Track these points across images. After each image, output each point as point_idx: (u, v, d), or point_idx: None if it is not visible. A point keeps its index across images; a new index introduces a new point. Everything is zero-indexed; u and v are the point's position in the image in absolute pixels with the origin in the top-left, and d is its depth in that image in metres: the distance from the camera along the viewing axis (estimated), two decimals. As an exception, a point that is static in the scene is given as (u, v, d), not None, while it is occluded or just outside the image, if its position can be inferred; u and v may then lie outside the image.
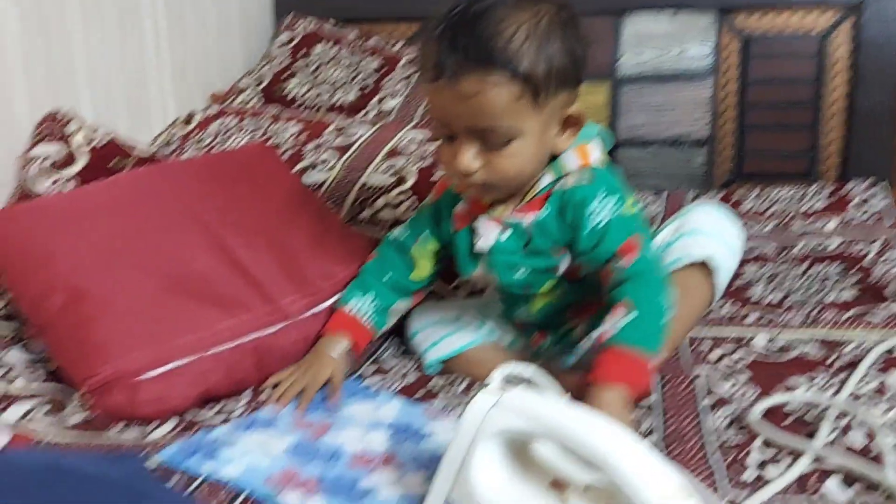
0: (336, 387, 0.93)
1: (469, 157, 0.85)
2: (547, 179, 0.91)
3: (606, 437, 0.58)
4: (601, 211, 0.88)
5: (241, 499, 0.72)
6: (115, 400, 0.88)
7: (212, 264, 1.02)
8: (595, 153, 0.93)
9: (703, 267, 0.95)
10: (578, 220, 0.89)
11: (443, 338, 1.01)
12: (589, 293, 0.93)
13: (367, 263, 1.04)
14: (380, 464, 0.78)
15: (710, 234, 0.99)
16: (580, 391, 0.83)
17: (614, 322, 0.85)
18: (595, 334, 0.88)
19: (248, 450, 0.79)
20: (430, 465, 0.77)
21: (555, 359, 0.99)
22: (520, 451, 0.67)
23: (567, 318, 0.98)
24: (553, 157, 0.91)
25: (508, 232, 0.92)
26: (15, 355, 1.01)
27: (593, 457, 0.57)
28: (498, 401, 0.65)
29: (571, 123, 0.89)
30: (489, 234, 0.93)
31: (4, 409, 0.89)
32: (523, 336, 1.03)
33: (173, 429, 0.88)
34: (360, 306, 1.00)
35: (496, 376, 0.68)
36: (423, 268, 1.02)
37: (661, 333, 0.86)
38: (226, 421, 0.88)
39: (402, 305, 1.03)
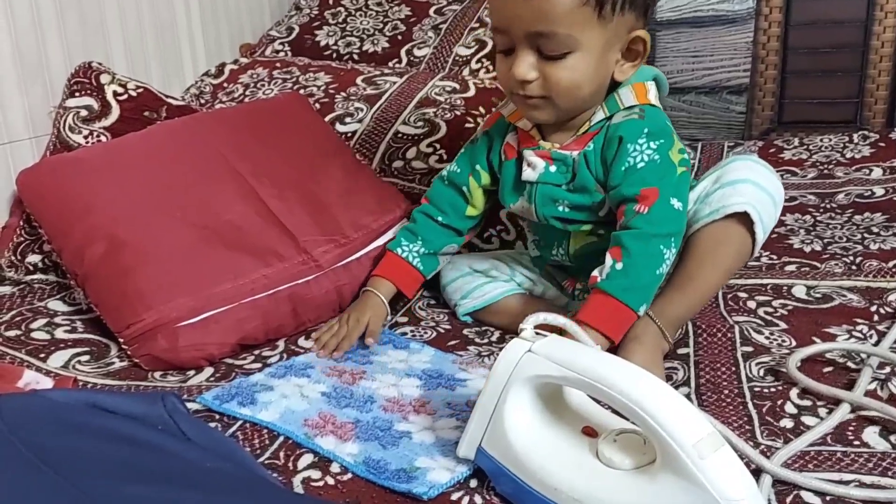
0: (372, 331, 0.94)
1: (526, 66, 0.85)
2: (600, 115, 0.90)
3: (639, 385, 0.58)
4: (643, 150, 0.87)
5: (278, 441, 0.74)
6: (156, 346, 0.90)
7: (246, 214, 1.03)
8: (651, 93, 0.91)
9: (744, 217, 0.93)
10: (618, 153, 0.88)
11: (476, 287, 1.01)
12: None
13: (421, 206, 1.06)
14: (413, 409, 0.78)
15: (752, 183, 0.96)
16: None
17: (605, 266, 0.85)
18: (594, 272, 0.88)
19: (285, 394, 0.81)
20: (463, 410, 0.77)
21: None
22: (552, 397, 0.67)
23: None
24: (610, 91, 0.91)
25: (555, 166, 0.92)
26: (57, 305, 1.04)
27: (625, 404, 0.57)
28: (530, 348, 0.65)
29: (635, 53, 0.88)
30: (537, 165, 0.93)
31: (47, 356, 0.92)
32: (555, 285, 1.03)
33: (212, 375, 0.90)
34: (410, 250, 1.01)
35: (529, 324, 0.68)
36: (478, 201, 1.03)
37: (646, 290, 0.85)
38: (263, 367, 0.89)
39: (452, 248, 1.05)
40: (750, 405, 0.78)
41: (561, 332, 0.69)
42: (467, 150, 1.04)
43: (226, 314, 0.93)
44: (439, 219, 1.03)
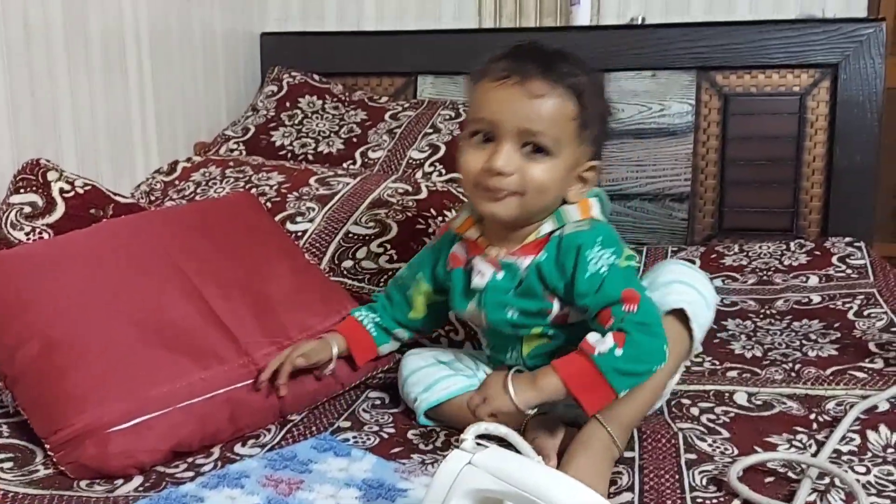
0: (306, 356, 0.99)
1: (507, 158, 0.89)
2: (548, 227, 0.94)
3: (573, 497, 0.57)
4: (600, 258, 0.91)
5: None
6: (85, 453, 0.86)
7: (188, 314, 1.01)
8: (595, 209, 0.97)
9: (680, 314, 0.95)
10: (578, 262, 0.91)
11: (438, 381, 1.00)
12: (579, 340, 0.93)
13: (375, 295, 1.14)
14: (351, 523, 0.76)
15: (683, 283, 0.99)
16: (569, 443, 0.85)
17: (602, 344, 0.86)
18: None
19: (217, 508, 0.77)
20: (402, 524, 0.75)
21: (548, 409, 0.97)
22: (493, 510, 0.65)
23: None
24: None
25: (503, 273, 0.95)
26: (-18, 406, 0.99)
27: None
28: (470, 459, 0.64)
29: (586, 180, 0.95)
30: (485, 272, 0.96)
31: (-33, 462, 0.87)
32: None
33: (141, 484, 0.86)
34: (367, 317, 1.08)
35: (469, 434, 0.67)
36: (419, 307, 1.07)
37: (635, 381, 0.88)
38: (195, 476, 0.86)
39: (401, 333, 1.09)
40: (693, 518, 0.77)
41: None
42: (416, 259, 1.09)
43: (160, 419, 0.90)
44: (388, 311, 1.08)
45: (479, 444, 0.67)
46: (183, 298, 1.03)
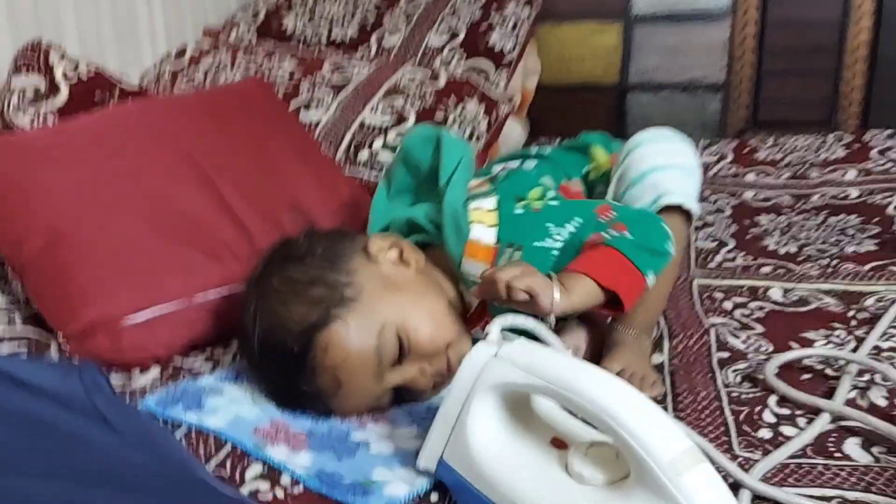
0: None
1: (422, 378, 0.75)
2: (475, 301, 0.80)
3: (612, 394, 0.54)
4: (554, 237, 0.80)
5: (225, 450, 0.68)
6: (98, 345, 0.84)
7: (201, 207, 0.97)
8: (486, 218, 0.82)
9: (671, 209, 0.89)
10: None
11: None
12: None
13: None
14: (371, 417, 0.74)
15: (658, 170, 0.90)
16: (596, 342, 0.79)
17: (607, 232, 0.78)
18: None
19: (235, 399, 0.75)
20: (424, 419, 0.73)
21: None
22: (520, 405, 0.63)
23: None
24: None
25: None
26: (-6, 297, 0.97)
27: (597, 415, 0.53)
28: (496, 352, 0.61)
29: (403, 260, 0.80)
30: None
31: (-19, 352, 0.86)
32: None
33: (159, 376, 0.84)
34: None
35: (495, 326, 0.63)
36: None
37: (657, 260, 0.78)
38: (214, 368, 0.84)
39: None
40: (727, 413, 0.74)
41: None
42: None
43: (174, 314, 0.87)
44: None
45: (504, 337, 0.63)
46: (196, 190, 0.98)
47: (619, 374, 0.74)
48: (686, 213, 0.90)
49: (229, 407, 0.74)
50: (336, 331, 0.71)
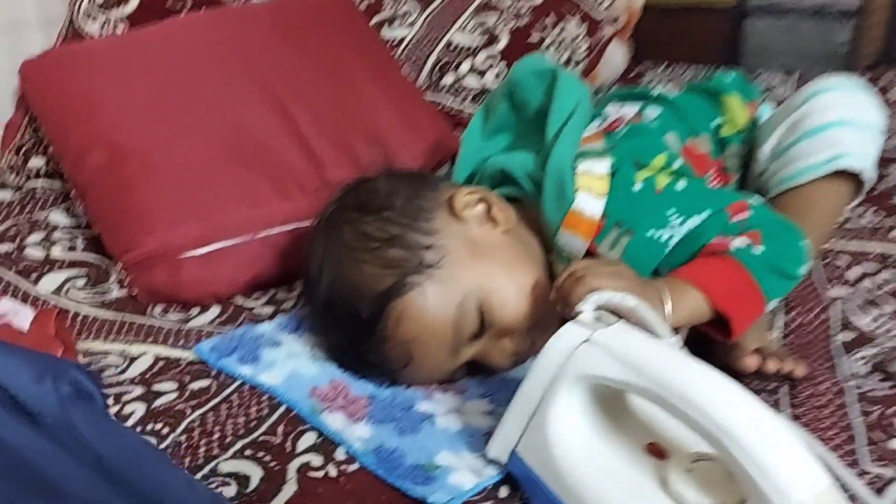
0: None
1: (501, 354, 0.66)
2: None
3: (735, 409, 0.44)
4: (670, 227, 0.66)
5: (279, 412, 0.63)
6: (156, 277, 0.79)
7: (271, 132, 0.89)
8: (596, 185, 0.68)
9: (844, 173, 0.77)
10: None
11: None
12: None
13: None
14: (440, 386, 0.66)
15: (844, 125, 0.79)
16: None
17: (736, 239, 0.66)
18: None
19: (293, 353, 0.69)
20: (497, 392, 0.65)
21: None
22: (612, 399, 0.54)
23: None
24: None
25: None
26: (58, 216, 0.94)
27: (713, 432, 0.44)
28: (589, 337, 0.52)
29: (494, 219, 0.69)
30: None
31: (39, 278, 0.82)
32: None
33: (218, 315, 0.79)
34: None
35: (589, 304, 0.54)
36: None
37: (786, 286, 0.67)
38: (275, 314, 0.78)
39: None
40: (852, 413, 0.63)
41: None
42: None
43: (238, 249, 0.81)
44: None
45: (599, 318, 0.54)
46: (265, 112, 0.90)
47: (755, 352, 0.64)
48: (857, 182, 0.78)
49: (287, 362, 0.67)
50: (412, 300, 0.62)
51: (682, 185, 0.69)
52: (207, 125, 0.88)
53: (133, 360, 0.70)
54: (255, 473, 0.56)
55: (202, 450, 0.58)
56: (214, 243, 0.80)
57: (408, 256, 0.64)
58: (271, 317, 0.77)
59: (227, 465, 0.56)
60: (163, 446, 0.59)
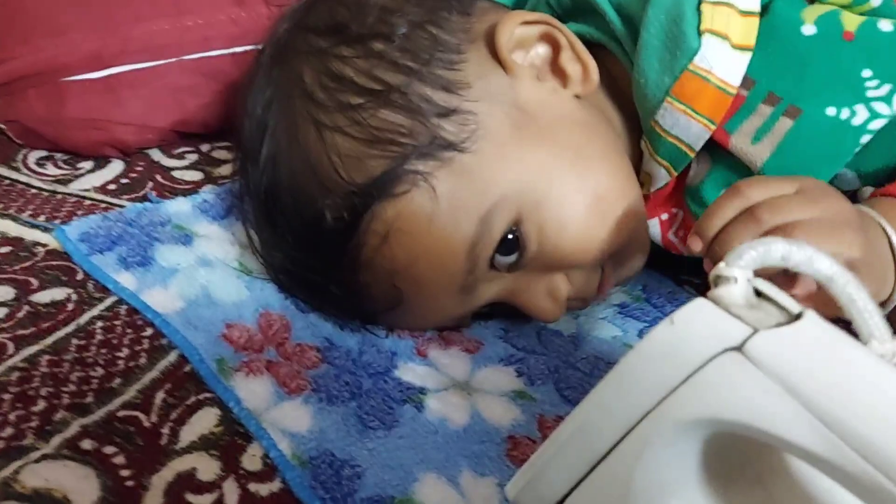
0: None
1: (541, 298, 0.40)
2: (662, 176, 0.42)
3: None
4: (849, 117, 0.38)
5: (166, 361, 0.38)
6: (32, 111, 0.54)
7: None
8: (736, 28, 0.39)
9: None
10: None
11: None
12: None
13: None
14: (440, 336, 0.41)
15: None
16: None
17: None
18: None
19: (209, 258, 0.43)
20: (533, 354, 0.40)
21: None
22: (750, 451, 0.28)
23: None
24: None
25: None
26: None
27: None
28: (744, 342, 0.25)
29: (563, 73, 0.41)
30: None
31: None
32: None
33: (120, 174, 0.53)
34: None
35: (737, 269, 0.27)
36: None
37: None
38: (203, 184, 0.52)
39: None
40: None
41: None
42: None
43: (155, 73, 0.54)
44: None
45: (759, 292, 0.27)
46: None
47: None
48: None
49: (194, 273, 0.42)
50: (412, 204, 0.36)
51: (886, 27, 0.40)
52: None
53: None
54: (84, 492, 0.31)
55: (7, 431, 0.33)
56: (120, 65, 0.53)
57: (412, 126, 0.37)
58: (193, 189, 0.51)
59: (40, 470, 0.32)
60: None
